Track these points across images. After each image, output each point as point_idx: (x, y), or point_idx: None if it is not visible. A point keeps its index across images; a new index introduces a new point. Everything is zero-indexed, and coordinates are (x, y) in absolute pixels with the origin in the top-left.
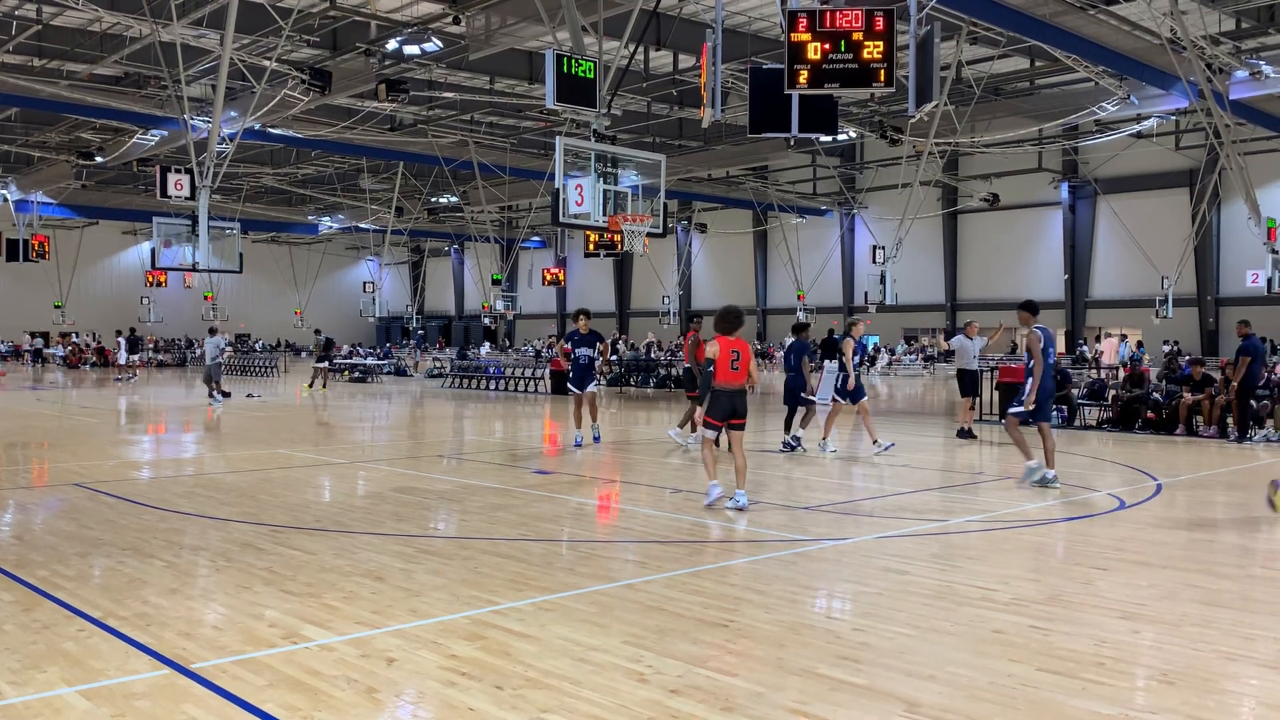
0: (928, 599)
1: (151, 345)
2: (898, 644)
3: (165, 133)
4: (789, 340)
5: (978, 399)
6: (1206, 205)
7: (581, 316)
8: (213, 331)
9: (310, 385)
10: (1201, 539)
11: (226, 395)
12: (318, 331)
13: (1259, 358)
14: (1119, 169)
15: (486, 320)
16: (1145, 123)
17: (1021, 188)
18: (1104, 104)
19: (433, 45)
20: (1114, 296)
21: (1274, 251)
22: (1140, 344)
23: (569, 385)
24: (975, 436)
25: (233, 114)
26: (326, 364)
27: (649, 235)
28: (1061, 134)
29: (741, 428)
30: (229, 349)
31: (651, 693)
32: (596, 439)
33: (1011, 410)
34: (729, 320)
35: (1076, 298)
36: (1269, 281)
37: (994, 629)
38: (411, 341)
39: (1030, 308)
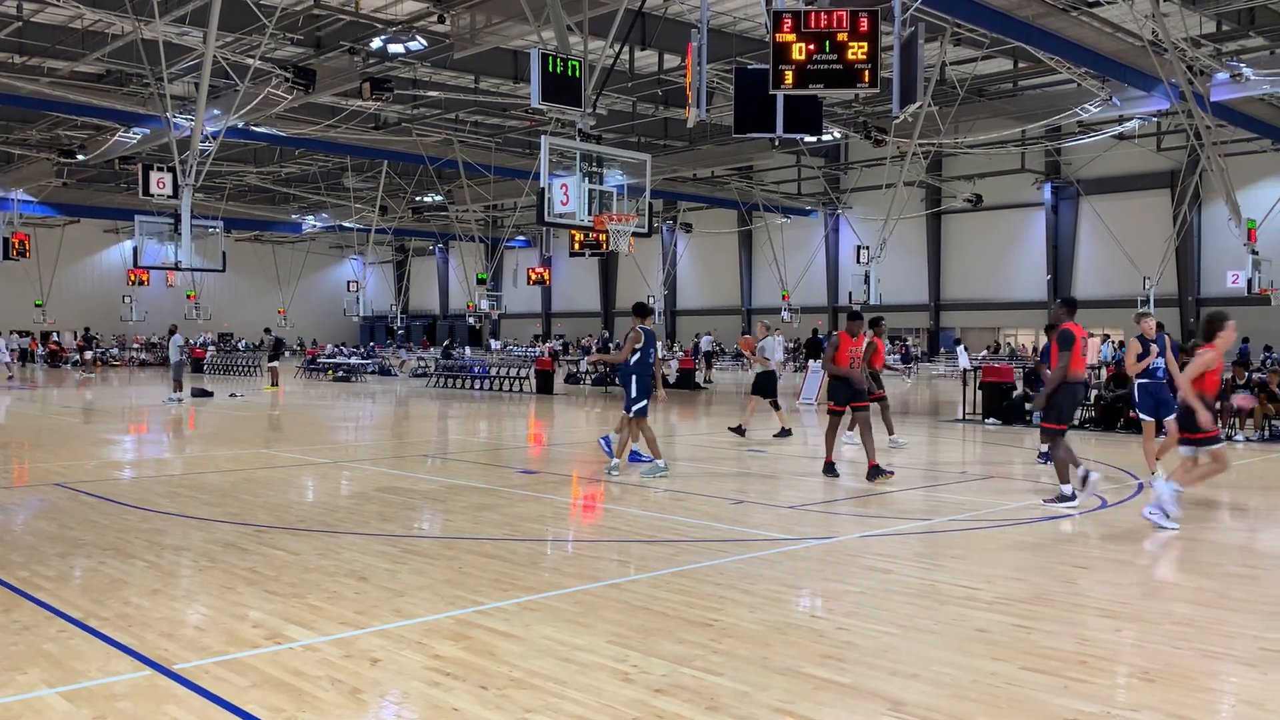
0: (912, 598)
1: (132, 345)
2: (882, 643)
3: (147, 130)
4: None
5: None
6: (1188, 206)
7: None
8: (173, 331)
9: (273, 384)
10: (1182, 537)
11: (207, 394)
12: (267, 331)
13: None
14: (1101, 170)
15: (471, 320)
16: (1127, 124)
17: (1004, 188)
18: (1086, 105)
19: (417, 44)
20: (1096, 297)
21: (1254, 252)
22: (1122, 344)
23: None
24: (790, 433)
25: (216, 112)
26: (278, 363)
27: (634, 235)
28: (1044, 135)
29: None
30: (186, 347)
31: (636, 692)
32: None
33: (634, 413)
34: None
35: (1059, 298)
36: (1249, 282)
37: (977, 627)
38: (395, 342)
39: (639, 310)
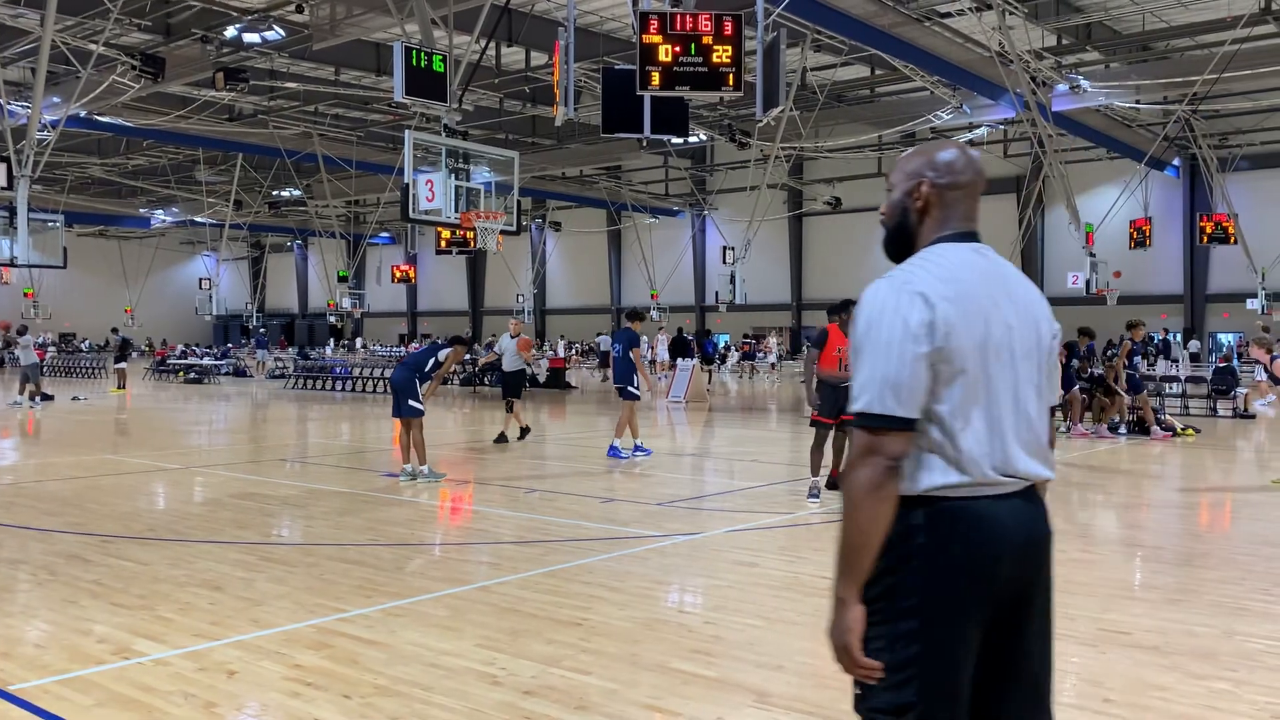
0: (776, 590)
1: None
2: (748, 635)
3: None
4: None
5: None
6: (1032, 210)
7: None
8: (23, 330)
9: (120, 387)
10: None
11: (49, 398)
12: (115, 330)
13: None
14: None
15: (332, 319)
16: (976, 131)
17: (862, 192)
18: (939, 112)
19: (274, 33)
20: None
21: (1091, 255)
22: None
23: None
24: (506, 439)
25: (55, 100)
26: (125, 364)
27: (502, 233)
28: (900, 140)
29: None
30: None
31: (505, 695)
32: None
33: (411, 413)
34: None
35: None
36: (1087, 283)
37: None
38: (251, 341)
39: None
